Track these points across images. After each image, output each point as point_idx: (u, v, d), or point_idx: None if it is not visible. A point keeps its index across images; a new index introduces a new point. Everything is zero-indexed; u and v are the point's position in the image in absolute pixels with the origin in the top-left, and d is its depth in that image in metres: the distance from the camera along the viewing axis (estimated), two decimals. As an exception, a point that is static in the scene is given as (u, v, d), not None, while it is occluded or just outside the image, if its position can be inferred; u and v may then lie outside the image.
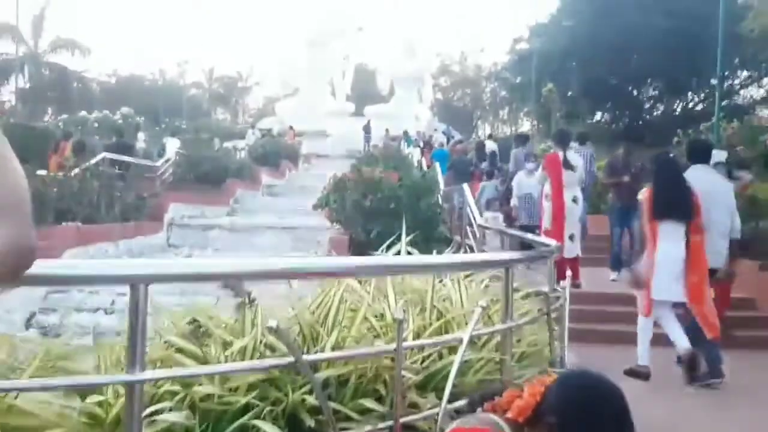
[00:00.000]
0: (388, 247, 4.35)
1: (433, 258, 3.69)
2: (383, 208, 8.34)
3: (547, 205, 7.36)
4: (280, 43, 43.45)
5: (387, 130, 34.82)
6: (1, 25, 39.65)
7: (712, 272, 5.31)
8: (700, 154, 5.70)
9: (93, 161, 12.20)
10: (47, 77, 48.45)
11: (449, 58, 64.77)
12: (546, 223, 7.24)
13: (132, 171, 13.68)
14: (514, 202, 9.23)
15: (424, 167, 15.75)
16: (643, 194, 5.38)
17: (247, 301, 2.88)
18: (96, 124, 33.48)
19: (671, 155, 6.50)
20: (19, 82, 47.45)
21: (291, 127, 31.89)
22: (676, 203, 5.15)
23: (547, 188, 7.41)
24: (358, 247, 8.07)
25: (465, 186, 8.40)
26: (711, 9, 36.26)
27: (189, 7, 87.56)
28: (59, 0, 46.64)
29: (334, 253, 7.98)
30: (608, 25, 37.80)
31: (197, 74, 64.88)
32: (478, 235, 7.27)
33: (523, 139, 12.99)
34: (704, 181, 5.36)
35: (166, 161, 16.94)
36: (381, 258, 3.77)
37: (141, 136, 21.62)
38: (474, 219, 7.41)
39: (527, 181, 8.73)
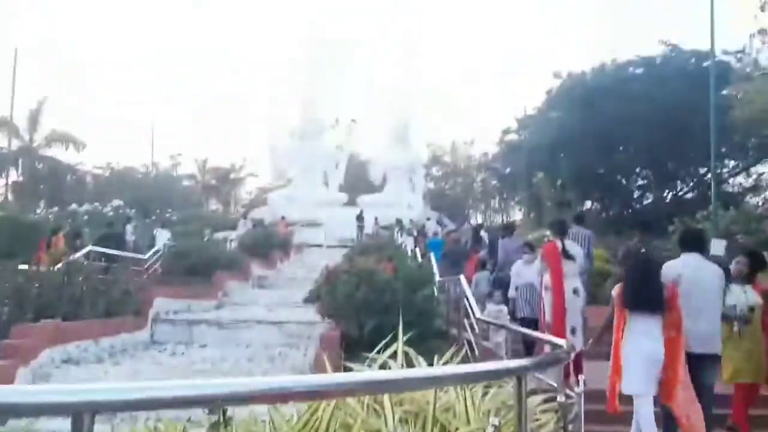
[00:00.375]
0: (384, 347, 3.99)
1: (436, 370, 3.31)
2: (377, 300, 7.97)
3: (547, 297, 7.02)
4: (273, 133, 43.88)
5: (376, 219, 34.83)
6: (-2, 120, 39.96)
7: (703, 357, 5.33)
8: (690, 242, 5.87)
9: (78, 254, 11.90)
10: (41, 171, 48.67)
11: (440, 149, 65.88)
12: (547, 316, 6.88)
13: (119, 264, 13.40)
14: (512, 293, 8.76)
15: (419, 257, 15.47)
16: (616, 290, 5.46)
17: (221, 420, 2.51)
18: (86, 217, 33.39)
19: (642, 248, 6.92)
20: (14, 176, 47.77)
21: (282, 218, 31.84)
22: (646, 296, 5.23)
23: (546, 279, 7.10)
24: (351, 345, 7.65)
25: (462, 278, 8.06)
26: (696, 99, 37.21)
27: (184, 99, 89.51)
28: (57, 93, 47.01)
29: (324, 351, 7.55)
30: (594, 116, 38.57)
31: (190, 166, 65.53)
32: (477, 329, 6.87)
33: (510, 228, 13.14)
34: (692, 267, 5.58)
35: (155, 253, 16.66)
36: (376, 374, 3.39)
37: (129, 228, 21.33)
38: (473, 312, 7.04)
39: (526, 271, 8.41)
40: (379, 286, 8.06)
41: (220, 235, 26.75)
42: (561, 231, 7.51)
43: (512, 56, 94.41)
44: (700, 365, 5.28)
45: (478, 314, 6.97)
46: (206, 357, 10.07)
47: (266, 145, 44.72)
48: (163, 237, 21.82)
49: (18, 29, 76.89)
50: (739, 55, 33.82)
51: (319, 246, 31.75)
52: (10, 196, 48.80)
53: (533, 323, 7.28)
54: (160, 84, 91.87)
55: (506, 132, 55.26)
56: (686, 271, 5.45)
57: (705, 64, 41.03)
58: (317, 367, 7.39)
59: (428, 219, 33.12)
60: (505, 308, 8.58)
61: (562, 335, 6.22)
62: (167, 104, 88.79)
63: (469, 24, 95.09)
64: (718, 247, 10.21)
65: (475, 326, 6.97)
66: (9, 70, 33.67)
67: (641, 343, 5.09)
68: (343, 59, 45.15)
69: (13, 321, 7.90)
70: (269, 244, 21.75)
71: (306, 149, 44.06)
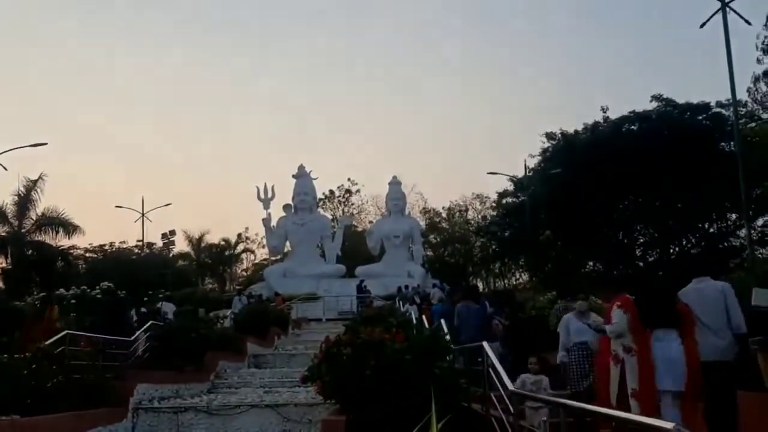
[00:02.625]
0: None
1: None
2: (389, 377, 6.82)
3: (629, 362, 5.95)
4: (267, 208, 43.12)
5: (365, 287, 33.69)
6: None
7: (708, 366, 6.07)
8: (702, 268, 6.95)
9: (51, 340, 10.73)
10: (30, 256, 47.55)
11: (437, 216, 65.32)
12: (631, 382, 5.84)
13: (101, 348, 12.23)
14: (562, 357, 7.41)
15: (425, 324, 14.32)
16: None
17: None
18: (74, 301, 32.20)
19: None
20: (4, 262, 46.69)
21: (277, 294, 30.68)
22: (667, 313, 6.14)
23: (624, 342, 6.07)
24: (359, 429, 6.47)
25: (486, 344, 6.94)
26: (694, 152, 36.93)
27: (175, 176, 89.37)
28: (49, 177, 46.35)
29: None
30: (591, 175, 38.13)
31: (184, 244, 64.63)
32: (511, 408, 5.68)
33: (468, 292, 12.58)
34: (695, 290, 6.62)
35: (142, 334, 15.51)
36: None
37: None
38: (504, 384, 5.88)
39: (579, 325, 7.12)
40: (389, 359, 6.94)
41: (212, 313, 25.70)
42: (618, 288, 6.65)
43: (498, 122, 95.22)
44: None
45: (511, 386, 5.82)
46: (194, 451, 8.82)
47: (261, 221, 43.83)
48: (169, 309, 21.00)
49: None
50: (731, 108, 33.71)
51: (319, 320, 30.60)
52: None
53: (586, 396, 6.14)
54: (152, 163, 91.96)
55: (503, 195, 54.85)
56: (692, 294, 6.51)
57: (700, 117, 41.09)
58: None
59: (434, 286, 31.97)
60: (545, 379, 7.35)
61: (649, 408, 5.56)
62: (159, 183, 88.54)
63: (452, 91, 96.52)
64: (761, 297, 9.08)
65: (508, 402, 5.81)
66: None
67: (664, 348, 5.94)
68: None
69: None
70: (266, 321, 20.59)
71: (301, 223, 43.37)
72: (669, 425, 2.63)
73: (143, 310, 20.01)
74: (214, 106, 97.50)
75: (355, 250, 53.74)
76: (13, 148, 33.11)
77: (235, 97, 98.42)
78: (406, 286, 29.69)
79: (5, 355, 8.60)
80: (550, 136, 47.03)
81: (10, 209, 45.23)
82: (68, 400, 8.85)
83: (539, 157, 47.45)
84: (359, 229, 61.49)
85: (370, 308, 19.95)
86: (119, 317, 16.12)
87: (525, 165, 42.58)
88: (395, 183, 46.96)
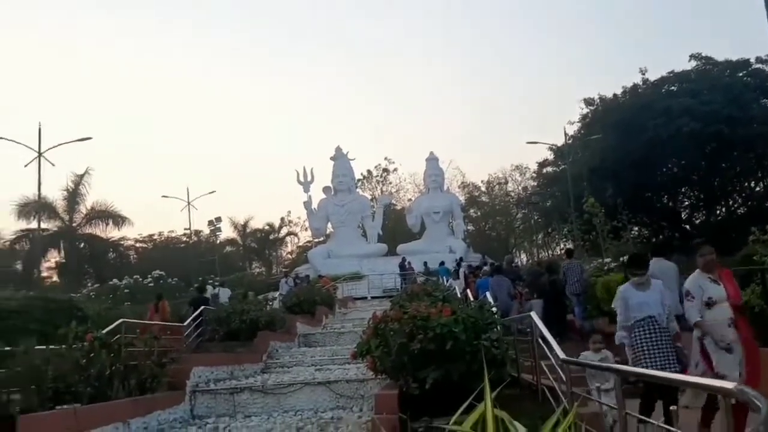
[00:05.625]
0: (467, 410, 2.95)
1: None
2: (436, 350, 6.89)
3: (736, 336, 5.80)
4: (308, 190, 43.48)
5: (408, 264, 33.95)
6: (35, 203, 40.49)
7: None
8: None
9: (108, 329, 11.08)
10: (82, 250, 49.02)
11: (476, 189, 64.92)
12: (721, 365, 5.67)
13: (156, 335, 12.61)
14: (621, 338, 6.49)
15: (470, 298, 14.38)
16: None
17: None
18: (127, 291, 33.24)
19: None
20: (58, 256, 48.32)
21: (321, 276, 30.95)
22: None
23: (721, 312, 5.92)
24: (412, 404, 6.56)
25: (534, 315, 6.92)
26: (736, 110, 35.83)
27: (220, 163, 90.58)
28: (96, 171, 47.72)
29: (381, 412, 6.48)
30: (633, 138, 37.35)
31: (230, 230, 65.63)
32: (564, 376, 5.66)
33: (569, 252, 15.72)
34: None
35: (194, 320, 15.94)
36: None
37: (222, 291, 23.16)
38: (557, 353, 5.87)
39: (644, 297, 6.26)
40: (437, 332, 6.99)
41: (261, 296, 26.24)
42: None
43: (536, 88, 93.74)
44: None
45: (562, 355, 5.80)
46: (251, 429, 9.03)
47: (302, 204, 44.27)
48: (225, 294, 21.60)
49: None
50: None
51: (364, 298, 30.92)
52: (55, 277, 49.35)
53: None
54: (197, 149, 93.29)
55: (543, 165, 54.15)
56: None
57: (740, 74, 39.79)
58: (375, 431, 6.32)
59: (485, 261, 31.83)
60: (610, 355, 7.05)
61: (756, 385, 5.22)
62: (204, 170, 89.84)
63: (490, 60, 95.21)
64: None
65: (560, 371, 5.81)
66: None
67: None
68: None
69: (24, 411, 7.01)
70: (313, 301, 20.91)
71: (341, 204, 43.66)
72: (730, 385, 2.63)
73: (207, 295, 20.68)
74: (253, 93, 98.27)
75: (396, 228, 53.95)
76: (60, 144, 34.17)
77: (271, 84, 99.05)
78: (442, 262, 29.71)
79: (63, 346, 8.88)
80: (588, 102, 46.15)
81: (60, 204, 46.71)
82: (126, 387, 9.14)
83: (579, 124, 46.65)
84: (398, 208, 61.62)
85: (414, 284, 20.03)
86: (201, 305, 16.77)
87: (565, 132, 41.96)
88: (432, 159, 46.80)
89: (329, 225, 45.50)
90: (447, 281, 22.29)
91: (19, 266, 46.31)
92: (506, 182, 65.08)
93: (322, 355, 14.68)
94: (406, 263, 34.26)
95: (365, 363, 8.48)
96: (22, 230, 45.45)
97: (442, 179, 48.26)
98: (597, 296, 14.01)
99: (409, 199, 59.79)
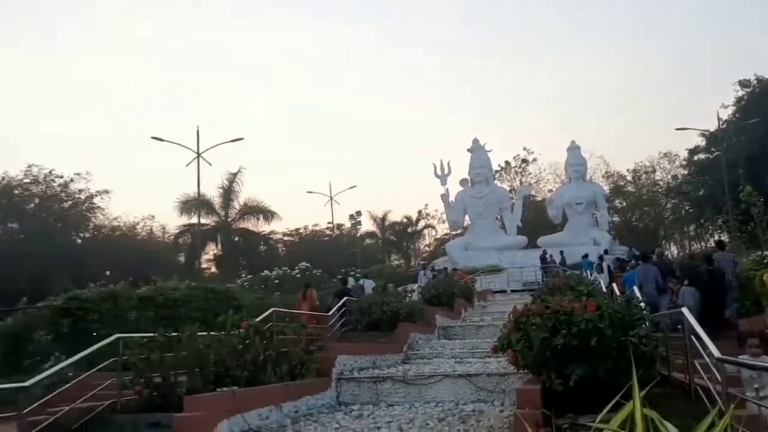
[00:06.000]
0: (614, 408, 2.90)
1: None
2: (580, 346, 6.73)
3: None
4: (445, 183, 43.64)
5: (549, 257, 33.00)
6: (195, 201, 43.76)
7: None
8: None
9: (260, 317, 11.79)
10: (237, 243, 52.39)
11: (621, 179, 61.95)
12: None
13: (304, 323, 13.27)
14: None
15: (616, 292, 13.82)
16: None
17: None
18: (277, 281, 35.07)
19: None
20: (215, 249, 52.03)
21: (455, 270, 30.73)
22: None
23: None
24: (556, 400, 6.46)
25: (685, 310, 6.56)
26: None
27: (360, 159, 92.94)
28: (247, 169, 50.85)
29: (524, 407, 6.44)
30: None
31: (369, 224, 67.20)
32: (719, 376, 5.33)
33: (720, 243, 15.40)
34: None
35: (338, 310, 16.55)
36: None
37: (367, 283, 23.61)
38: (711, 351, 5.53)
39: None
40: (581, 327, 6.82)
41: (402, 287, 26.73)
42: None
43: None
44: None
45: (717, 353, 5.47)
46: (393, 418, 9.27)
47: (440, 196, 44.47)
48: (369, 285, 22.35)
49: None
50: None
51: (503, 292, 30.57)
52: (213, 268, 53.06)
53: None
54: (339, 146, 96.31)
55: (694, 152, 50.78)
56: None
57: None
58: (517, 427, 6.29)
59: (633, 254, 30.41)
60: None
61: None
62: (346, 166, 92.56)
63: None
64: None
65: (714, 370, 5.48)
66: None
67: None
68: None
69: (190, 392, 7.65)
70: (451, 294, 20.99)
71: (478, 196, 43.36)
72: None
73: (349, 286, 21.47)
74: (391, 89, 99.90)
75: (536, 220, 52.80)
76: (216, 145, 36.70)
77: (409, 79, 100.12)
78: (585, 255, 28.66)
79: (222, 333, 9.55)
80: (744, 83, 42.75)
81: (217, 201, 50.35)
82: (278, 373, 9.70)
83: (733, 108, 43.31)
84: (539, 199, 60.17)
85: (556, 278, 19.54)
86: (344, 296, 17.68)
87: (718, 117, 39.03)
88: (574, 148, 45.25)
89: (467, 217, 45.34)
90: (591, 275, 21.55)
91: (182, 258, 50.25)
92: (654, 171, 61.56)
93: (461, 348, 14.73)
94: (547, 256, 33.46)
95: (506, 357, 8.44)
96: (184, 225, 49.57)
97: (585, 168, 46.56)
98: (756, 291, 13.01)
99: (550, 190, 58.19)
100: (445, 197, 44.00)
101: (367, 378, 11.26)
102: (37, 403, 8.14)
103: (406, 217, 67.54)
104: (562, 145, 49.21)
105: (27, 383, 7.96)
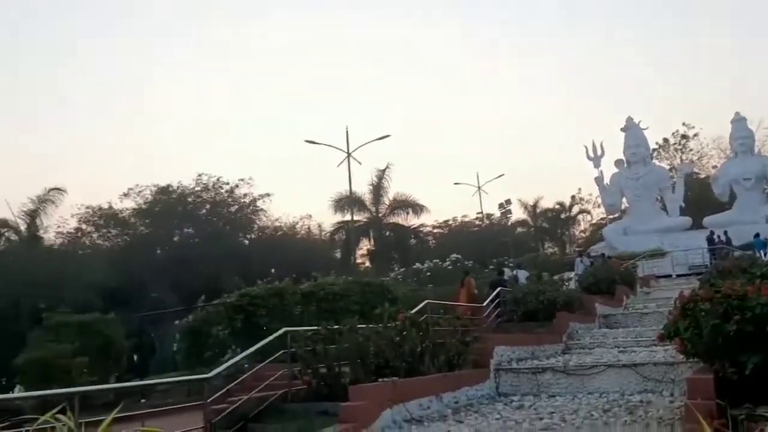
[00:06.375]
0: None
1: None
2: (756, 332, 6.26)
3: None
4: (599, 165, 41.98)
5: (718, 238, 30.65)
6: (347, 198, 45.40)
7: None
8: None
9: (415, 309, 12.04)
10: (388, 237, 53.77)
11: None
12: None
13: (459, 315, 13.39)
14: None
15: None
16: None
17: None
18: (429, 273, 35.55)
19: None
20: (368, 244, 53.84)
21: (608, 257, 29.23)
22: None
23: None
24: (730, 390, 6.07)
25: None
26: None
27: (506, 147, 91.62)
28: (394, 165, 51.98)
29: (695, 397, 6.11)
30: None
31: (520, 212, 66.05)
32: None
33: None
34: None
35: (492, 301, 16.50)
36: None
37: (521, 273, 23.04)
38: None
39: None
40: (756, 312, 6.35)
41: (557, 276, 26.09)
42: None
43: None
44: None
45: None
46: (556, 409, 9.13)
47: (594, 180, 42.79)
48: (522, 275, 22.17)
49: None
50: None
51: (668, 276, 28.92)
52: (367, 263, 54.80)
53: None
54: (484, 135, 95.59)
55: None
56: None
57: None
58: (688, 418, 5.99)
59: None
60: None
61: None
62: (492, 155, 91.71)
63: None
64: None
65: None
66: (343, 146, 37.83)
67: None
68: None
69: (353, 382, 8.01)
70: (611, 281, 20.19)
71: (635, 177, 41.24)
72: None
73: (506, 277, 21.29)
74: (533, 70, 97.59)
75: (701, 199, 49.24)
76: (364, 144, 37.92)
77: (554, 59, 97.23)
78: (757, 234, 26.37)
79: (380, 325, 9.88)
80: None
81: (367, 197, 52.14)
82: (435, 363, 9.88)
83: None
84: (702, 176, 56.06)
85: (726, 260, 18.18)
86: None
87: None
88: (739, 120, 41.70)
89: (624, 200, 43.26)
90: (764, 255, 19.86)
91: (338, 254, 52.35)
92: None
93: (625, 337, 14.17)
94: (714, 237, 31.24)
95: (673, 345, 8.02)
96: (339, 223, 51.85)
97: (752, 141, 42.80)
98: None
99: (714, 166, 53.99)
100: (599, 180, 42.30)
101: (526, 369, 11.16)
102: (218, 393, 8.92)
103: (558, 203, 65.60)
104: (725, 118, 45.54)
105: (209, 375, 8.73)
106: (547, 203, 65.37)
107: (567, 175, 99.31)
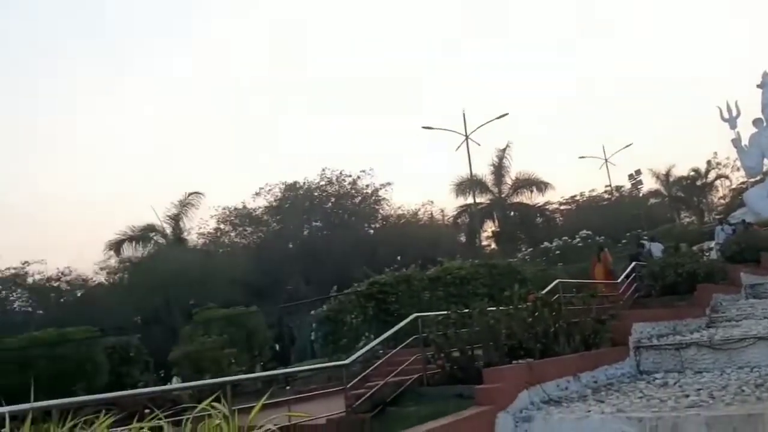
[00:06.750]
0: None
1: None
2: None
3: None
4: (733, 125, 39.11)
5: None
6: (468, 181, 45.21)
7: None
8: None
9: (547, 289, 11.88)
10: (513, 217, 53.03)
11: None
12: None
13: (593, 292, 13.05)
14: None
15: None
16: None
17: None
18: (558, 252, 34.69)
19: None
20: (493, 225, 53.38)
21: (744, 222, 26.86)
22: None
23: None
24: None
25: None
26: None
27: (632, 115, 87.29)
28: (515, 143, 51.14)
29: None
30: None
31: (652, 182, 62.79)
32: None
33: None
34: None
35: (627, 276, 15.95)
36: None
37: (655, 246, 21.83)
38: None
39: None
40: None
41: (697, 246, 24.68)
42: None
43: None
44: None
45: None
46: (702, 385, 8.71)
47: (730, 142, 39.93)
48: (656, 249, 21.28)
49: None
50: None
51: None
52: (493, 244, 54.33)
53: None
54: (606, 106, 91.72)
55: None
56: None
57: None
58: None
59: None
60: None
61: None
62: (617, 124, 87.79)
63: None
64: None
65: None
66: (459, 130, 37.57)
67: None
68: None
69: (487, 364, 8.04)
70: (756, 248, 18.86)
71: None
72: None
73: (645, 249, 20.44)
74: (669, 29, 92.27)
75: None
76: (482, 125, 37.58)
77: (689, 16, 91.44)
78: None
79: (510, 307, 9.83)
80: None
81: (489, 179, 51.58)
82: (571, 343, 9.70)
83: None
84: None
85: None
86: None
87: None
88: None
89: (766, 161, 40.08)
90: None
91: (462, 238, 52.29)
92: None
93: (775, 307, 13.24)
94: None
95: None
96: (461, 206, 51.77)
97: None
98: None
99: None
100: (736, 142, 39.40)
101: (668, 345, 10.71)
102: (356, 379, 9.25)
103: (693, 170, 61.68)
104: None
105: (347, 361, 9.08)
106: (681, 171, 61.72)
107: (701, 139, 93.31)
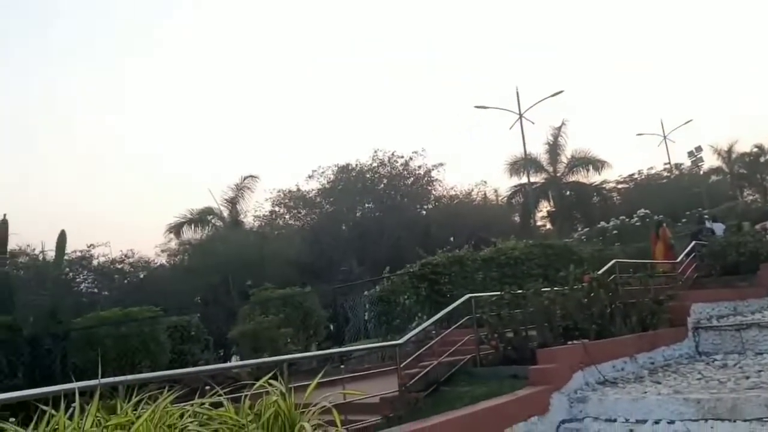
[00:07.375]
0: None
1: None
2: None
3: None
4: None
5: None
6: (523, 160, 44.62)
7: None
8: None
9: (603, 269, 11.71)
10: (569, 197, 52.14)
11: None
12: None
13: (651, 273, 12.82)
14: None
15: None
16: None
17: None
18: (615, 231, 33.94)
19: None
20: (548, 205, 52.63)
21: None
22: None
23: None
24: None
25: None
26: None
27: (693, 91, 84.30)
28: (570, 121, 50.11)
29: None
30: None
31: (713, 159, 60.70)
32: None
33: None
34: None
35: (687, 255, 15.55)
36: None
37: (717, 226, 21.35)
38: None
39: None
40: None
41: (761, 225, 23.86)
42: None
43: None
44: None
45: None
46: (764, 367, 8.50)
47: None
48: (718, 228, 20.71)
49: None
50: None
51: None
52: (548, 225, 53.61)
53: None
54: (666, 83, 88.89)
55: None
56: None
57: None
58: None
59: None
60: None
61: None
62: (677, 102, 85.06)
63: None
64: None
65: None
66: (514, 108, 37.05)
67: None
68: None
69: (541, 345, 8.00)
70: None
71: None
72: None
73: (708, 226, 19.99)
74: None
75: None
76: (536, 103, 36.99)
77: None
78: None
79: (565, 287, 9.74)
80: None
81: (543, 158, 50.76)
82: (627, 324, 9.57)
83: None
84: None
85: None
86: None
87: None
88: None
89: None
90: None
91: (516, 218, 51.76)
92: None
93: None
94: None
95: None
96: (515, 186, 51.13)
97: None
98: None
99: None
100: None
101: (729, 326, 10.46)
102: (410, 358, 9.34)
103: (756, 146, 59.25)
104: None
105: (401, 341, 9.17)
106: (744, 147, 59.42)
107: (765, 114, 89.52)
